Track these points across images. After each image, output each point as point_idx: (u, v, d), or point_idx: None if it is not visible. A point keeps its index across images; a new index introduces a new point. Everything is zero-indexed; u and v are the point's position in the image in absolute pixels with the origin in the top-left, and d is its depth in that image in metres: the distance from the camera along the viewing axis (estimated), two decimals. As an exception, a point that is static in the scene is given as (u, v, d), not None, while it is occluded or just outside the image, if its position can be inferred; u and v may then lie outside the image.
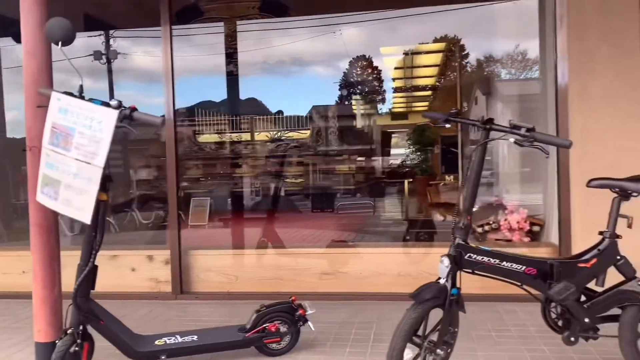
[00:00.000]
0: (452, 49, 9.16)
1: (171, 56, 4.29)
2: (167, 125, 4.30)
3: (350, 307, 3.96)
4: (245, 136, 6.62)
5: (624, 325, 2.42)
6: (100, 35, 7.63)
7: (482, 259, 2.36)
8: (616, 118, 3.79)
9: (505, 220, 4.86)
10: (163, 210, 6.83)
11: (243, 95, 7.81)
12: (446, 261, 2.32)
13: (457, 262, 2.34)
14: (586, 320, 2.37)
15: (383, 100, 11.53)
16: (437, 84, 10.78)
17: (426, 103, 11.47)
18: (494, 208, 5.36)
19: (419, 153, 11.64)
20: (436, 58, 9.55)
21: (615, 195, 2.41)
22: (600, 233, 2.43)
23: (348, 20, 6.47)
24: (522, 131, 2.21)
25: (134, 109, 2.40)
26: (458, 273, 2.37)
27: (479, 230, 5.09)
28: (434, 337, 2.36)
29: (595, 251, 2.40)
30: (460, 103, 9.94)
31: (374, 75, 10.60)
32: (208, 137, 6.68)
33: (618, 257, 2.39)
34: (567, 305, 2.35)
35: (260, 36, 6.60)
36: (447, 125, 2.42)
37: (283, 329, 2.94)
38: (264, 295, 4.00)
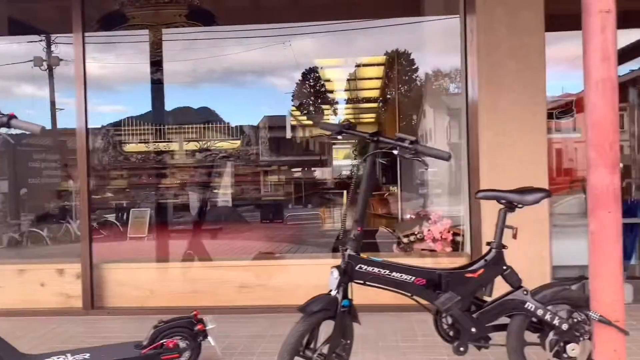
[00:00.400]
0: (402, 62, 9.29)
1: (83, 63, 4.16)
2: (79, 136, 4.15)
3: (265, 320, 3.91)
4: (174, 146, 6.50)
5: (511, 333, 2.47)
6: (41, 40, 7.38)
7: (373, 270, 2.36)
8: (523, 131, 3.92)
9: (429, 230, 4.94)
10: (98, 222, 6.60)
11: (196, 104, 7.69)
12: (335, 273, 2.32)
13: (348, 274, 2.34)
14: (473, 330, 2.40)
15: (334, 112, 11.58)
16: (388, 96, 10.91)
17: (373, 115, 11.60)
18: (420, 218, 5.45)
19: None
20: (378, 71, 9.68)
21: (502, 206, 2.46)
22: (488, 244, 2.48)
23: (298, 31, 6.50)
24: (406, 143, 2.24)
25: (12, 117, 2.29)
26: (350, 284, 2.37)
27: (405, 240, 5.15)
28: (326, 349, 2.34)
29: (482, 261, 2.44)
30: (398, 115, 10.11)
31: (325, 87, 10.64)
32: (135, 147, 6.52)
33: (504, 267, 2.44)
34: (453, 315, 2.38)
35: (214, 44, 6.53)
36: (339, 137, 2.42)
37: (182, 344, 2.85)
38: (178, 310, 3.88)
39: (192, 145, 6.54)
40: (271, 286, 4.28)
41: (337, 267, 2.33)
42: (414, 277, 2.37)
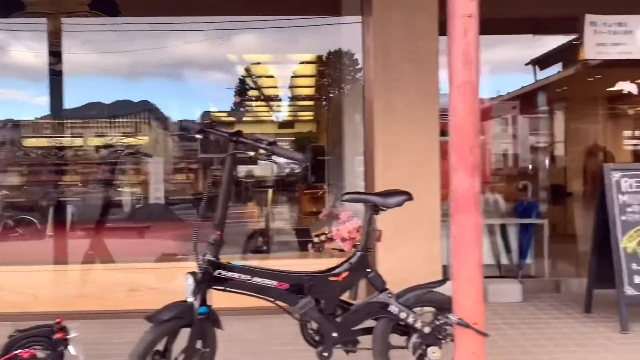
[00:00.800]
0: (345, 61, 9.23)
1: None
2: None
3: (152, 325, 3.75)
4: (79, 141, 6.19)
5: (376, 336, 2.45)
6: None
7: (233, 275, 2.29)
8: (417, 133, 3.96)
9: (338, 230, 4.91)
10: (13, 219, 6.20)
11: (136, 98, 7.38)
12: (190, 279, 2.24)
13: (206, 280, 2.25)
14: (335, 334, 2.37)
15: (270, 109, 11.45)
16: (331, 95, 10.87)
17: (311, 113, 11.56)
18: (332, 218, 5.43)
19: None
20: (311, 69, 9.62)
21: (368, 209, 2.44)
22: (354, 246, 2.46)
23: (240, 26, 6.34)
24: (264, 144, 2.18)
25: None
26: (210, 290, 2.29)
27: (316, 240, 5.11)
28: (182, 358, 2.25)
29: (347, 264, 2.41)
30: (328, 114, 10.11)
31: (258, 84, 10.48)
32: (35, 142, 6.17)
33: (368, 270, 2.42)
34: (311, 319, 2.34)
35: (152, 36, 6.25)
36: (198, 136, 2.33)
37: (41, 354, 2.66)
38: (63, 315, 3.67)
39: (97, 141, 6.26)
40: (166, 289, 4.12)
41: (193, 273, 2.24)
42: (276, 282, 2.32)
